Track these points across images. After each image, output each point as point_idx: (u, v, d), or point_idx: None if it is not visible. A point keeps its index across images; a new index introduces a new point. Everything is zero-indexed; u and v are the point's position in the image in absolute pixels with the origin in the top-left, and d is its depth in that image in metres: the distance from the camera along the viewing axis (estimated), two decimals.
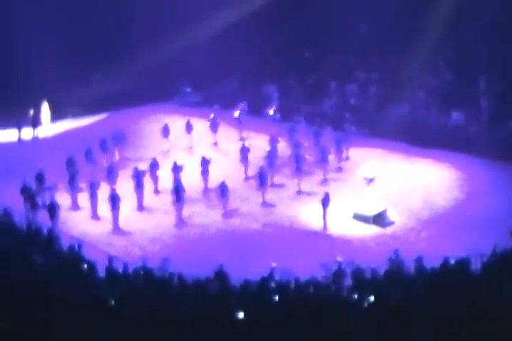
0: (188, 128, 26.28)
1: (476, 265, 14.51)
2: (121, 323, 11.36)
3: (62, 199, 21.20)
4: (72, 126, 28.92)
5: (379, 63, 29.15)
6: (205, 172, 22.69)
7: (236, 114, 27.23)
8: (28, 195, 20.39)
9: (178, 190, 20.90)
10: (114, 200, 20.36)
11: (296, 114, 27.20)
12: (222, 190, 21.20)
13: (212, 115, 26.67)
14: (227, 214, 21.22)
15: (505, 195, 21.58)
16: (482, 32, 27.95)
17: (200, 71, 30.33)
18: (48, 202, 20.23)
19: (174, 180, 21.92)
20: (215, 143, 26.38)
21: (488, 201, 21.53)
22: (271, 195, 22.31)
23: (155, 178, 22.60)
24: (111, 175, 22.37)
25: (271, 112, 27.76)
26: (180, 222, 20.77)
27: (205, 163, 22.82)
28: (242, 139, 25.99)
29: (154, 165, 22.77)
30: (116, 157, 24.87)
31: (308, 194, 22.34)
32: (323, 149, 23.93)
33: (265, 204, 21.88)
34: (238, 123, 27.12)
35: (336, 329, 11.27)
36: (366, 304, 12.51)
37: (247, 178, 23.38)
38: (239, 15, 30.32)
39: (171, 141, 25.95)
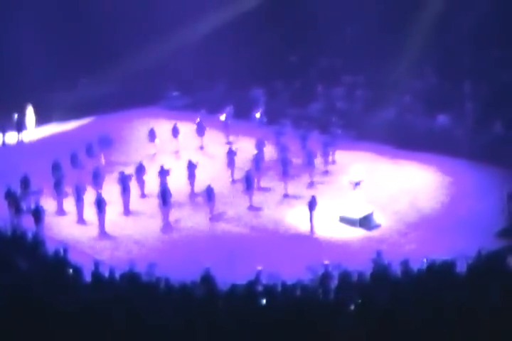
0: (175, 132, 26.23)
1: (461, 267, 14.58)
2: (107, 328, 11.28)
3: (48, 203, 21.07)
4: (57, 130, 28.77)
5: (365, 67, 29.29)
6: (191, 176, 22.64)
7: (222, 117, 27.23)
8: (13, 200, 20.21)
9: (164, 194, 20.83)
10: (100, 204, 20.25)
11: (283, 118, 27.25)
12: (209, 193, 21.16)
13: (198, 119, 26.64)
14: (214, 217, 21.17)
15: (491, 198, 21.68)
16: (468, 35, 28.16)
17: (187, 75, 30.31)
18: (32, 206, 20.07)
19: (161, 184, 21.85)
20: (202, 147, 26.35)
21: (473, 204, 21.64)
22: (257, 199, 22.28)
23: (141, 182, 22.52)
24: (97, 179, 22.26)
25: (257, 116, 27.80)
26: (167, 226, 20.69)
27: (191, 166, 22.77)
28: (228, 143, 25.96)
29: (140, 169, 22.68)
30: (103, 161, 24.75)
31: (295, 197, 22.34)
32: (309, 153, 23.95)
33: (252, 207, 21.85)
34: (225, 127, 27.11)
35: (323, 332, 11.27)
36: (353, 307, 12.51)
37: (233, 182, 23.36)
38: (225, 18, 30.34)
39: (157, 145, 25.88)
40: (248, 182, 21.93)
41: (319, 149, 24.51)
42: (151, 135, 25.91)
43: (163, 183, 21.78)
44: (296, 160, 24.13)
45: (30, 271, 14.53)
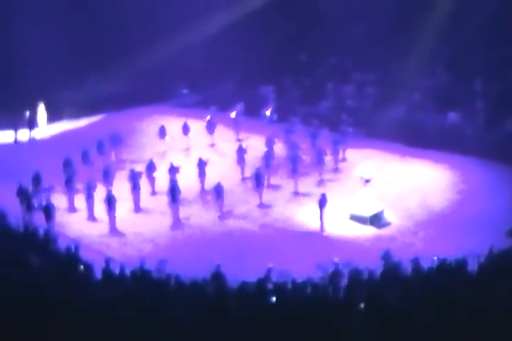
0: (185, 129, 26.27)
1: (472, 266, 14.53)
2: (118, 325, 11.35)
3: (59, 200, 21.17)
4: (68, 128, 28.91)
5: (375, 64, 29.20)
6: (202, 173, 22.68)
7: (233, 115, 27.24)
8: (24, 197, 20.32)
9: (173, 192, 20.88)
10: (110, 202, 20.34)
11: (293, 115, 27.24)
12: (218, 191, 21.20)
13: (208, 116, 26.67)
14: (224, 215, 21.20)
15: (502, 196, 21.61)
16: (478, 33, 28.02)
17: (197, 72, 30.34)
18: (43, 203, 20.17)
19: (170, 181, 21.91)
20: (212, 145, 26.37)
21: (484, 202, 21.56)
22: (268, 196, 22.30)
23: (152, 180, 22.58)
24: (107, 176, 22.33)
25: (268, 113, 27.80)
26: (177, 223, 20.75)
27: (201, 164, 22.81)
28: (239, 140, 25.97)
29: (151, 167, 22.75)
30: (113, 158, 24.83)
31: (305, 195, 22.34)
32: (319, 150, 23.94)
33: (262, 205, 21.87)
34: (235, 124, 27.11)
35: (333, 330, 11.28)
36: (363, 305, 12.51)
37: (243, 179, 23.38)
38: (235, 16, 30.34)
39: (167, 142, 25.93)
40: (258, 180, 21.96)
41: (329, 147, 24.49)
42: (162, 132, 25.97)
43: (173, 180, 21.84)
44: (306, 157, 24.11)
45: (42, 268, 14.61)
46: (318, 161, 23.68)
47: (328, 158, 24.13)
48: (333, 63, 30.75)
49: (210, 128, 26.48)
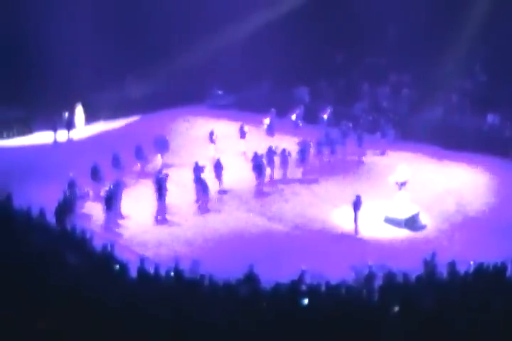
0: (242, 132, 26.03)
1: (511, 271, 14.27)
2: (152, 324, 11.44)
3: (94, 202, 21.42)
4: (105, 129, 29.29)
5: (411, 65, 28.96)
6: (256, 167, 22.63)
7: (293, 117, 27.52)
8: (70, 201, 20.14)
9: (160, 189, 20.67)
10: (109, 201, 19.97)
11: (332, 116, 27.41)
12: (217, 168, 21.72)
13: (268, 119, 26.79)
14: (258, 216, 21.23)
15: None
16: None
17: (231, 74, 30.49)
18: (57, 206, 19.63)
19: (160, 179, 21.11)
20: (273, 147, 25.99)
21: None
22: (301, 198, 22.27)
23: (219, 179, 22.40)
24: (159, 182, 21.55)
25: (325, 117, 27.83)
26: (158, 219, 20.54)
27: (256, 158, 22.88)
28: (299, 144, 25.09)
29: (218, 166, 22.61)
30: (160, 162, 24.73)
31: (339, 197, 22.22)
32: (331, 141, 24.62)
33: (296, 206, 21.85)
34: (295, 127, 27.34)
35: (367, 333, 11.19)
36: (397, 308, 12.39)
37: (271, 181, 23.29)
38: (270, 18, 30.41)
39: (215, 144, 25.74)
40: (258, 170, 22.27)
41: (356, 142, 25.04)
42: (211, 136, 25.67)
43: (163, 178, 21.09)
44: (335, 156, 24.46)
45: (77, 267, 14.79)
46: (331, 151, 24.69)
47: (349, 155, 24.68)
48: (368, 64, 30.58)
49: (270, 130, 26.56)
